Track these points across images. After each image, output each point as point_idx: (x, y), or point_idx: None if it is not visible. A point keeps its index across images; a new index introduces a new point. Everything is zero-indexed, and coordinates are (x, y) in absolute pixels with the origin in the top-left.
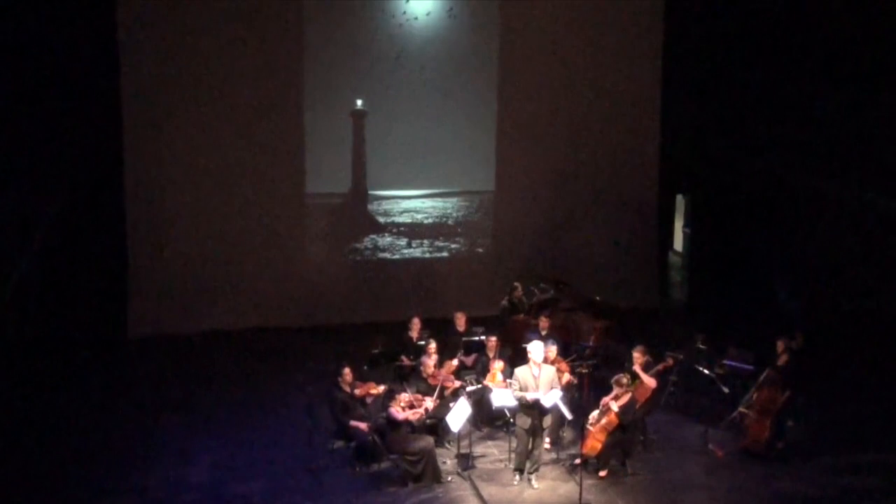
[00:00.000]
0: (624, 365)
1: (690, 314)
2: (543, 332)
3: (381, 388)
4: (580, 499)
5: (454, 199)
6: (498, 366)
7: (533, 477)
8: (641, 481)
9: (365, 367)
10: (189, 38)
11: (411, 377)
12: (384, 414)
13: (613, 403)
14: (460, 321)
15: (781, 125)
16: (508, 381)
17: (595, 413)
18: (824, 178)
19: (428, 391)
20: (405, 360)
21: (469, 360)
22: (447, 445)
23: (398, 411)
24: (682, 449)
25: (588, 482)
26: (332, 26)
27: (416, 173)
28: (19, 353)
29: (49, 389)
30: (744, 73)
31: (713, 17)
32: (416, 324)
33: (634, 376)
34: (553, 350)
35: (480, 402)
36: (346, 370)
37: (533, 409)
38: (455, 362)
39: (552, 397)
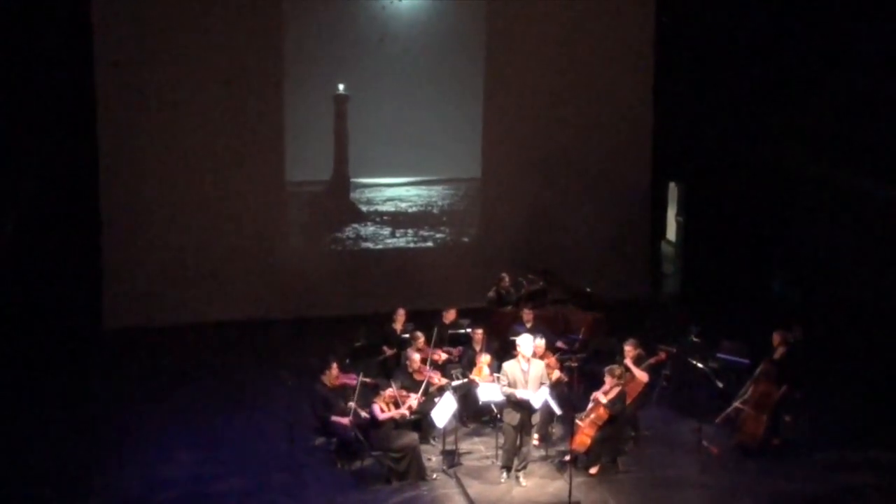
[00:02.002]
0: (615, 359)
1: (684, 306)
2: (528, 325)
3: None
4: (570, 497)
5: (439, 187)
6: (485, 359)
7: (521, 474)
8: (633, 478)
9: (347, 361)
10: (165, 21)
11: (396, 371)
12: (367, 410)
13: (602, 397)
14: (450, 316)
15: (778, 110)
16: (496, 374)
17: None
18: (822, 164)
19: (412, 387)
20: (387, 350)
21: (454, 352)
22: (432, 442)
23: (381, 410)
24: (675, 445)
25: (578, 480)
26: (313, 7)
27: (399, 160)
28: None
29: (20, 383)
30: (739, 55)
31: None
32: (400, 315)
33: (626, 370)
34: (542, 344)
35: (467, 396)
36: (335, 365)
37: (521, 405)
38: (443, 355)
39: (541, 396)
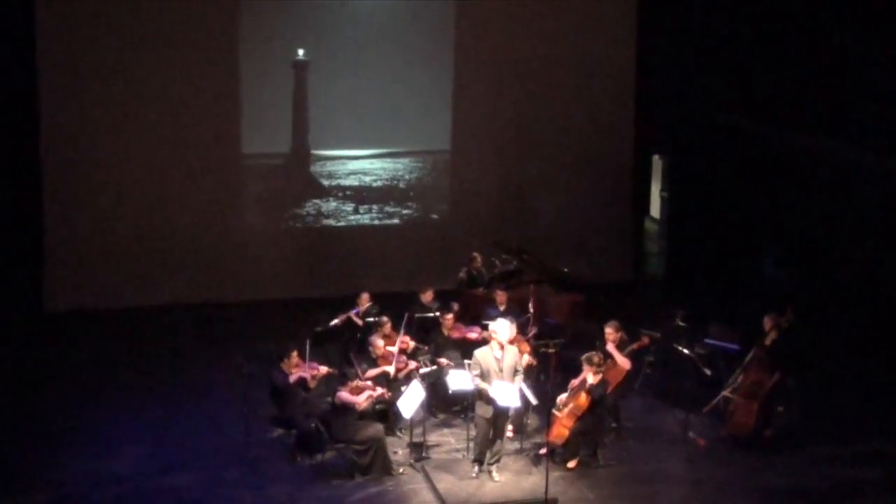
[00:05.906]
0: (595, 344)
1: (668, 288)
2: (502, 307)
3: (324, 369)
4: (546, 492)
5: (406, 160)
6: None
7: (494, 468)
8: (614, 473)
9: (307, 347)
10: None
11: (359, 357)
12: (329, 398)
13: (582, 385)
14: (427, 296)
15: (769, 78)
16: (469, 363)
17: (563, 397)
18: (816, 136)
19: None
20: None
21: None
22: (399, 434)
23: (348, 394)
24: (660, 437)
25: (555, 474)
26: None
27: (363, 131)
28: None
29: None
30: (727, 21)
31: None
32: (363, 298)
33: (607, 356)
34: (512, 328)
35: (435, 385)
36: (294, 353)
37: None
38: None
39: (514, 396)
